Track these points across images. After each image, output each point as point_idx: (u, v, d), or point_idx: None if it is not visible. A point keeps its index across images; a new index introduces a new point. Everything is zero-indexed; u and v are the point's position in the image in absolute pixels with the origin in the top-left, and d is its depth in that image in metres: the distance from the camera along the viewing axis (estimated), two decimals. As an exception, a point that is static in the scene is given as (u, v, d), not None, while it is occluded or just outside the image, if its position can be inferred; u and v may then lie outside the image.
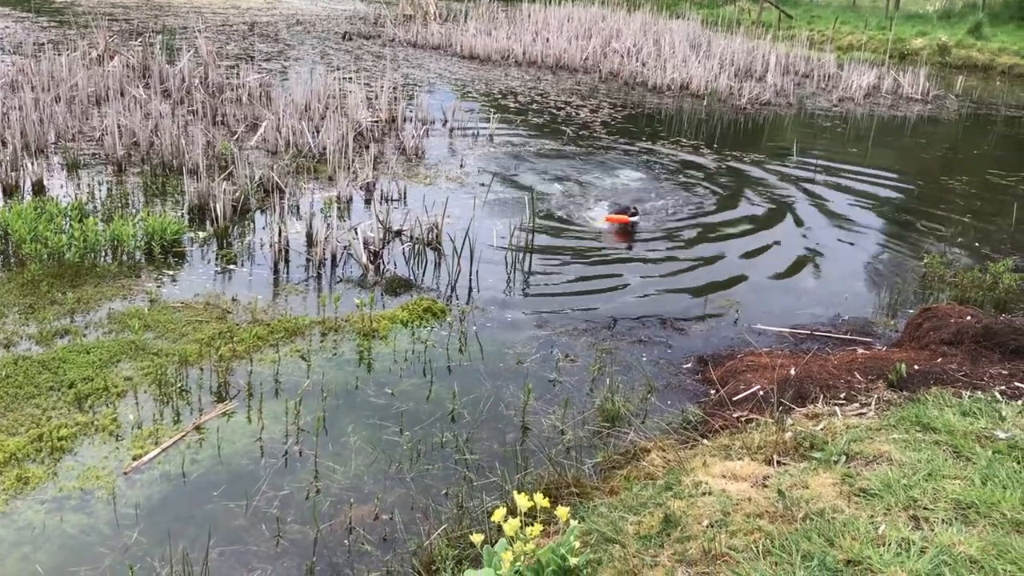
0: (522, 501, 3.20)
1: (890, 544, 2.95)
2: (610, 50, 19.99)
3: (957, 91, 19.18)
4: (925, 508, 3.21)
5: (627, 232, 8.35)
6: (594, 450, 4.59)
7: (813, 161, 12.08)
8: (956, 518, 3.13)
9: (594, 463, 4.44)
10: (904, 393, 4.60)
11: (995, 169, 12.17)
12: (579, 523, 3.47)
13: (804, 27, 26.85)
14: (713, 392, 5.12)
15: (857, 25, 27.03)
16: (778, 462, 3.86)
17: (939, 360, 5.02)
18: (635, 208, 8.55)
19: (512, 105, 14.95)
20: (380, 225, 7.42)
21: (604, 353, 5.79)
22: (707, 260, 7.76)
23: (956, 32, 25.29)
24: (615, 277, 7.21)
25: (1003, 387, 4.53)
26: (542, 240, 7.93)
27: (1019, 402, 4.26)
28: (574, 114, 14.48)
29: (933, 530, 3.04)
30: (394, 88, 13.17)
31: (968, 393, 4.42)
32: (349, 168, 9.41)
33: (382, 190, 9.06)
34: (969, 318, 5.45)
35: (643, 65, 18.64)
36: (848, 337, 6.11)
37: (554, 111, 14.63)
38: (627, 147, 12.21)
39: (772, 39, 21.90)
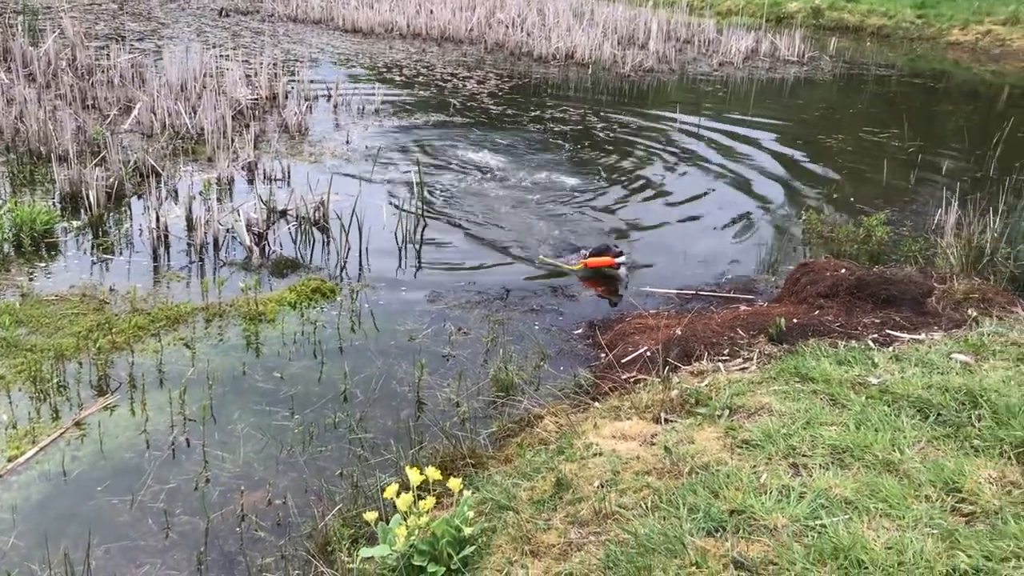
0: (414, 475, 3.19)
1: (771, 492, 3.06)
2: (495, 21, 19.92)
3: (831, 52, 19.85)
4: (804, 455, 3.33)
5: (609, 276, 6.69)
6: (489, 420, 4.61)
7: (696, 125, 12.33)
8: (832, 463, 3.26)
9: (489, 433, 4.46)
10: (784, 346, 4.76)
11: (868, 127, 12.66)
12: (473, 493, 3.49)
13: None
14: (603, 356, 5.19)
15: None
16: (665, 419, 3.95)
17: (816, 313, 5.21)
18: (618, 247, 6.72)
19: (398, 78, 14.75)
20: (263, 205, 7.24)
21: (497, 324, 5.80)
22: (594, 223, 7.85)
23: (827, -5, 26.12)
24: (507, 248, 7.22)
25: (875, 335, 4.74)
26: (433, 215, 7.88)
27: (890, 349, 4.46)
28: (461, 86, 14.39)
29: (811, 475, 3.17)
30: (274, 64, 12.81)
31: (843, 343, 4.61)
32: (229, 148, 9.13)
33: (265, 169, 8.84)
34: (844, 271, 5.67)
35: (528, 35, 18.65)
36: (731, 295, 6.28)
37: (440, 83, 14.50)
38: (515, 117, 12.21)
39: (653, 6, 22.20)
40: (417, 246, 7.16)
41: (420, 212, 7.66)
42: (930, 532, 2.76)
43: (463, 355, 5.35)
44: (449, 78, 15.00)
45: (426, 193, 8.21)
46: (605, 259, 6.56)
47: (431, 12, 20.38)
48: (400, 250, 7.03)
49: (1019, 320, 4.83)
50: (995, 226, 6.74)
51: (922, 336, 4.67)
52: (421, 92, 13.73)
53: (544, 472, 3.59)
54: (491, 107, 12.83)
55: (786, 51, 18.70)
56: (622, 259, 6.60)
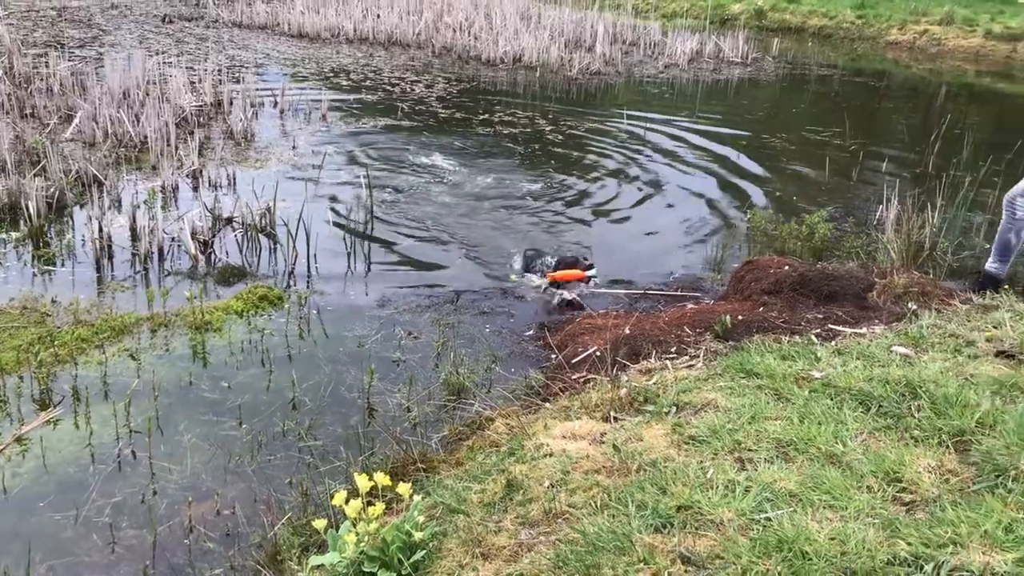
0: (362, 482, 3.18)
1: (718, 487, 3.10)
2: (442, 24, 19.90)
3: (774, 53, 20.16)
4: (749, 449, 3.38)
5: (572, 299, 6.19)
6: (440, 424, 4.61)
7: (644, 127, 12.44)
8: (777, 456, 3.32)
9: (440, 437, 4.45)
10: (730, 343, 4.83)
11: (811, 126, 12.87)
12: (423, 498, 3.48)
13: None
14: (554, 357, 5.22)
15: (678, -7, 27.93)
16: (615, 418, 3.98)
17: (761, 309, 5.30)
18: (588, 259, 6.35)
19: (345, 83, 14.66)
20: (208, 213, 7.15)
21: (448, 327, 5.80)
22: (546, 227, 7.89)
23: (770, -3, 26.52)
24: (457, 251, 7.22)
25: (818, 330, 4.83)
26: (383, 219, 7.85)
27: (832, 343, 4.55)
28: (409, 90, 14.35)
29: (756, 469, 3.21)
30: (219, 70, 12.67)
31: (787, 338, 4.68)
32: (173, 156, 9.00)
33: (210, 177, 8.73)
34: (787, 268, 5.76)
35: (476, 39, 18.66)
36: (679, 294, 6.35)
37: (388, 87, 14.45)
38: (464, 120, 12.22)
39: (599, 9, 22.36)
40: (366, 251, 7.13)
41: (369, 217, 7.62)
42: (872, 522, 2.82)
43: (413, 360, 5.34)
44: (397, 82, 14.95)
45: (375, 197, 8.17)
46: (575, 272, 6.11)
47: (378, 16, 20.30)
48: (349, 256, 6.99)
49: (957, 312, 4.95)
50: (934, 221, 6.92)
51: (863, 330, 4.77)
52: (368, 96, 13.67)
53: (495, 474, 3.60)
54: (440, 111, 12.82)
55: (730, 53, 18.96)
56: (593, 272, 6.22)
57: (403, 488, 3.18)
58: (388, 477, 3.20)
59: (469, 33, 19.19)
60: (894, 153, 11.08)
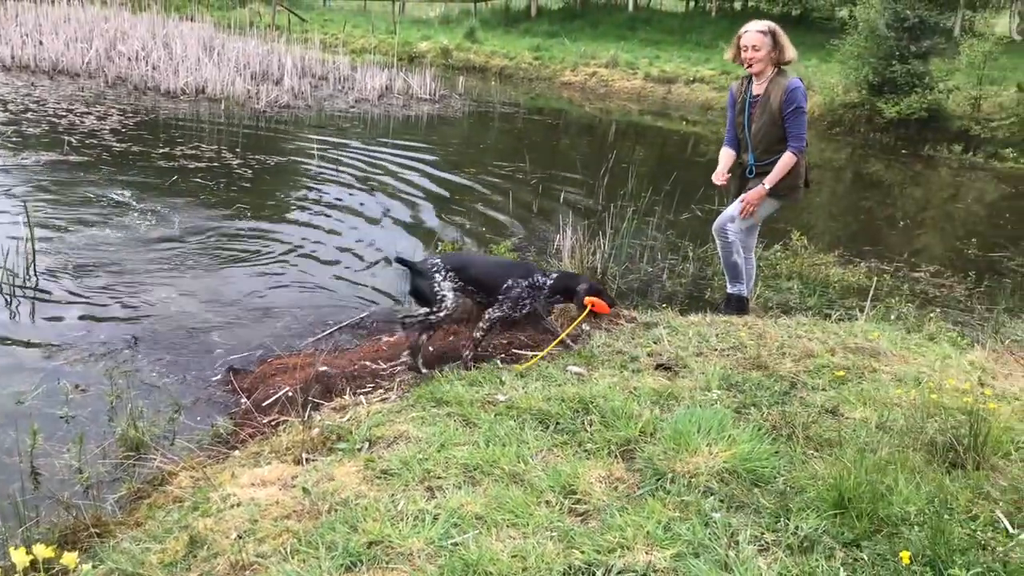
0: (19, 557, 2.84)
1: (408, 518, 3.13)
2: (116, 53, 18.68)
3: (460, 91, 21.00)
4: (438, 477, 3.45)
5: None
6: (118, 483, 4.25)
7: (335, 163, 12.41)
8: (465, 481, 3.42)
9: (118, 497, 4.11)
10: (423, 373, 4.91)
11: (497, 161, 13.53)
12: (95, 566, 3.19)
13: (318, 30, 27.50)
14: (244, 401, 5.02)
15: (367, 29, 28.36)
16: (307, 459, 3.90)
17: (451, 339, 5.45)
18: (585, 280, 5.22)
19: (0, 114, 13.28)
20: None
21: (125, 376, 5.39)
22: (239, 261, 7.61)
23: (455, 36, 27.72)
24: (140, 294, 6.74)
25: (503, 355, 5.05)
26: (47, 261, 7.15)
27: (515, 366, 4.78)
28: (78, 122, 13.29)
29: (445, 497, 3.29)
30: None
31: (475, 365, 4.85)
32: None
33: None
34: (474, 297, 5.98)
35: (154, 69, 17.70)
36: (375, 327, 6.38)
37: (54, 119, 13.29)
38: (143, 154, 11.50)
39: (287, 42, 22.10)
40: (31, 298, 6.46)
41: (31, 260, 6.92)
42: (550, 535, 2.98)
43: (83, 415, 4.89)
44: (64, 113, 13.79)
45: (37, 237, 7.43)
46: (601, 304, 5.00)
47: (40, 43, 18.64)
48: (8, 303, 6.30)
49: (623, 331, 5.40)
50: (604, 248, 7.50)
51: (544, 352, 5.05)
52: (31, 129, 12.47)
53: (177, 531, 3.38)
54: (114, 144, 11.98)
55: (419, 89, 19.50)
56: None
57: (68, 558, 2.88)
58: (53, 548, 2.90)
59: (147, 63, 18.16)
60: (570, 185, 11.93)
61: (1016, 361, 5.06)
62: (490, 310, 4.90)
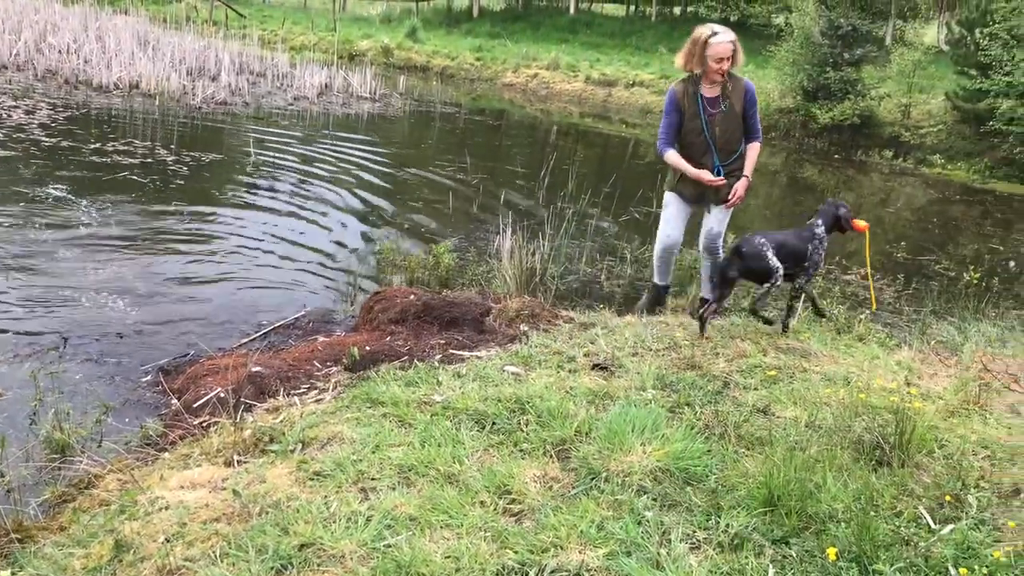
0: (-67, 565, 2.76)
1: (340, 520, 3.10)
2: (46, 46, 18.16)
3: (401, 90, 20.89)
4: (372, 479, 3.42)
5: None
6: (41, 487, 4.13)
7: (272, 161, 12.25)
8: (399, 482, 3.39)
9: (41, 502, 3.99)
10: (359, 373, 4.87)
11: (439, 161, 13.48)
12: (14, 573, 3.10)
13: (257, 26, 27.12)
14: (175, 402, 4.92)
15: (307, 26, 28.05)
16: (238, 461, 3.83)
17: (388, 339, 5.41)
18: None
19: (-78, 107, 12.84)
20: None
21: (52, 377, 5.23)
22: (172, 260, 7.45)
23: (396, 35, 27.58)
24: (69, 293, 6.56)
25: (440, 355, 5.03)
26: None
27: (452, 366, 4.76)
28: (5, 116, 12.88)
29: (379, 498, 3.26)
30: None
31: (412, 365, 4.83)
32: None
33: None
34: (412, 297, 5.95)
35: (86, 62, 17.25)
36: (310, 327, 6.30)
37: (-21, 113, 12.88)
38: (74, 149, 11.20)
39: (225, 38, 21.74)
40: (-51, 298, 6.25)
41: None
42: (484, 536, 2.97)
43: (6, 417, 4.74)
44: (-10, 107, 13.37)
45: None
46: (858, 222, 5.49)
47: (-37, 33, 18.06)
48: (-74, 303, 6.09)
49: (561, 331, 5.42)
50: (544, 249, 7.53)
51: (480, 353, 5.05)
52: (-46, 122, 12.07)
53: (102, 536, 3.30)
54: (43, 139, 11.65)
55: (359, 87, 19.34)
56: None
57: (-14, 566, 2.81)
58: (-32, 555, 2.81)
59: (79, 56, 17.70)
60: (511, 186, 11.94)
61: (941, 361, 5.21)
62: (799, 281, 5.39)
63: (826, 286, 7.99)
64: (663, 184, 6.12)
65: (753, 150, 5.86)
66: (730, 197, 5.74)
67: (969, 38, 17.79)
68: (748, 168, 5.81)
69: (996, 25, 15.88)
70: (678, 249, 6.12)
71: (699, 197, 5.92)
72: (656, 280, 6.29)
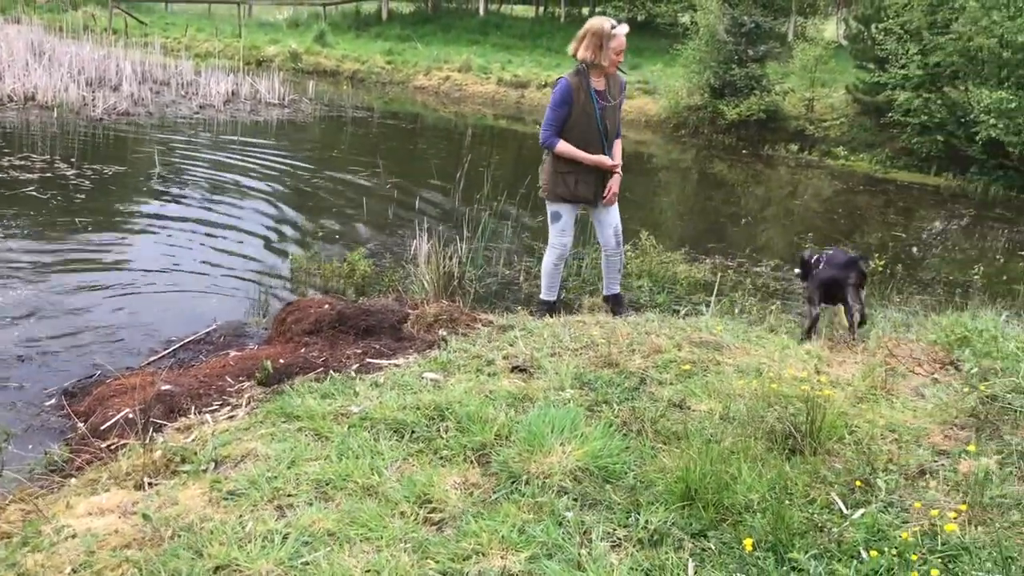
0: None
1: (256, 539, 3.02)
2: (-69, 57, 17.36)
3: (311, 95, 20.59)
4: (289, 495, 3.34)
5: None
6: (-63, 522, 3.93)
7: (178, 174, 11.93)
8: (317, 498, 3.32)
9: (-64, 538, 3.79)
10: (273, 388, 4.76)
11: (352, 166, 13.28)
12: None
13: (159, 34, 26.42)
14: (80, 426, 4.73)
15: (212, 33, 27.43)
16: (149, 484, 3.71)
17: (303, 350, 5.31)
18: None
19: None
20: None
21: (-55, 407, 4.99)
22: (75, 277, 7.18)
23: (304, 40, 27.18)
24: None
25: (357, 365, 4.96)
26: None
27: (369, 376, 4.70)
28: None
29: (296, 514, 3.19)
30: None
31: (328, 376, 4.74)
32: None
33: None
34: (327, 306, 5.85)
35: (-25, 75, 16.56)
36: (222, 341, 6.15)
37: None
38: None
39: (126, 46, 21.10)
40: None
41: None
42: (404, 547, 2.94)
43: (-102, 450, 4.50)
44: None
45: None
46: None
47: None
48: None
49: (480, 335, 5.40)
50: (461, 252, 7.50)
51: (399, 360, 5.00)
52: None
53: (3, 571, 3.15)
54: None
55: (267, 94, 19.00)
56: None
57: None
58: None
59: (-32, 68, 16.97)
60: (427, 189, 11.86)
61: (848, 348, 5.36)
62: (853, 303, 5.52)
63: (738, 278, 8.17)
64: (542, 194, 6.16)
65: (619, 145, 6.12)
66: (606, 194, 5.96)
67: (866, 33, 18.37)
68: (618, 161, 6.05)
69: (890, 20, 16.45)
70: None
71: (595, 195, 6.02)
72: (548, 296, 6.37)
